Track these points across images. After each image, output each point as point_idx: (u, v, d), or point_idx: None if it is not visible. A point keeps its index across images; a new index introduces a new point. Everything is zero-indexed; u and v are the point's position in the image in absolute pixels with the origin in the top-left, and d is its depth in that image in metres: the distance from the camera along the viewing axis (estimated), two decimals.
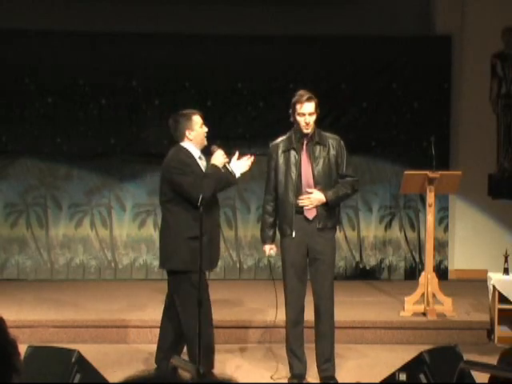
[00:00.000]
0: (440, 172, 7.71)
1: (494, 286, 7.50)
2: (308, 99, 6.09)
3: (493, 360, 4.13)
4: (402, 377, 5.01)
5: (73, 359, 4.96)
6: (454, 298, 7.84)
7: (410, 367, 5.04)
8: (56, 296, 8.60)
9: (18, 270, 9.78)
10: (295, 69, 9.71)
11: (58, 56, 9.65)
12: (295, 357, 6.26)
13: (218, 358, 6.19)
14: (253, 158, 6.18)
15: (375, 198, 10.02)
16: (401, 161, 9.77)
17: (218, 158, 6.05)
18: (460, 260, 10.09)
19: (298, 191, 6.14)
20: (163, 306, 6.39)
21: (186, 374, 3.79)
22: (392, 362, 6.41)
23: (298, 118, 6.12)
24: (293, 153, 6.18)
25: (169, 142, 9.65)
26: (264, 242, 6.34)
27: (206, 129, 6.13)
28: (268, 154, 6.31)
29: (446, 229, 10.01)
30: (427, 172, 7.67)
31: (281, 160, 6.20)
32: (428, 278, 7.71)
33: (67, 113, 9.75)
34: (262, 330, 7.49)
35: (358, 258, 10.00)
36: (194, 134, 6.05)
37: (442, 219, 9.96)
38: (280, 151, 6.21)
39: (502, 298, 7.45)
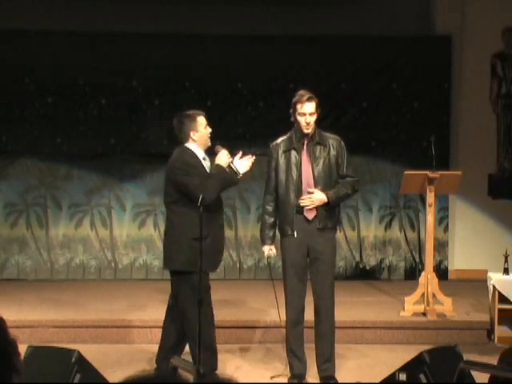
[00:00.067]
0: (440, 172, 7.71)
1: (493, 286, 7.50)
2: (309, 99, 6.09)
3: (493, 360, 4.13)
4: (402, 377, 5.01)
5: (73, 359, 4.97)
6: (454, 297, 7.84)
7: (410, 367, 5.04)
8: (56, 296, 8.60)
9: (18, 269, 9.79)
10: (295, 69, 9.71)
11: (58, 56, 9.65)
12: (295, 357, 6.26)
13: (218, 358, 6.18)
14: (254, 157, 6.18)
15: (375, 198, 10.02)
16: (401, 161, 9.77)
17: (223, 157, 6.06)
18: (460, 260, 10.09)
19: (299, 191, 6.14)
20: (166, 306, 6.38)
21: (186, 374, 3.80)
22: (392, 361, 6.41)
23: (299, 118, 6.12)
24: (293, 153, 6.18)
25: (169, 141, 9.74)
26: (263, 243, 6.33)
27: (209, 130, 6.13)
28: (268, 154, 6.31)
29: (446, 229, 10.01)
30: (427, 172, 7.67)
31: (281, 160, 6.20)
32: (428, 278, 7.71)
33: (67, 113, 9.75)
34: (262, 329, 7.49)
35: (357, 258, 10.00)
36: (199, 135, 6.06)
37: (442, 219, 9.96)
38: (281, 151, 6.21)
39: (502, 298, 7.45)
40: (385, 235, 10.03)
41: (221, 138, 6.25)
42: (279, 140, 6.28)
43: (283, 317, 6.28)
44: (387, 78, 9.93)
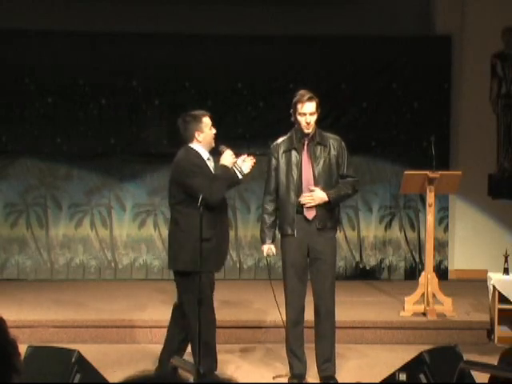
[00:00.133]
0: (440, 172, 7.71)
1: (494, 286, 7.50)
2: (309, 99, 6.09)
3: (493, 360, 4.14)
4: (402, 377, 5.01)
5: (73, 359, 4.97)
6: (454, 297, 7.84)
7: (410, 367, 5.04)
8: (56, 296, 8.60)
9: (18, 270, 9.79)
10: (295, 69, 9.71)
11: (58, 56, 9.65)
12: (295, 357, 6.26)
13: (218, 358, 6.18)
14: (254, 159, 6.18)
15: (375, 198, 10.02)
16: (401, 161, 9.77)
17: (227, 158, 6.06)
18: (460, 260, 10.09)
19: (299, 191, 6.14)
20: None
21: (186, 374, 3.80)
22: (392, 361, 6.41)
23: (299, 118, 6.11)
24: (294, 153, 6.18)
25: (168, 141, 9.76)
26: (263, 242, 6.32)
27: (214, 130, 6.13)
28: (269, 154, 6.31)
29: (446, 229, 10.01)
30: (427, 172, 7.67)
31: (282, 160, 6.20)
32: (428, 278, 7.71)
33: (67, 113, 9.75)
34: (262, 329, 7.50)
35: (358, 258, 10.00)
36: (203, 136, 6.06)
37: (442, 219, 9.96)
38: (281, 151, 6.21)
39: (502, 298, 7.45)
40: (385, 235, 10.03)
41: (221, 138, 6.25)
42: (279, 140, 6.28)
43: (283, 317, 6.28)
44: (387, 78, 9.93)
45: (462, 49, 9.99)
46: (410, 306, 7.78)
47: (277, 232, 6.35)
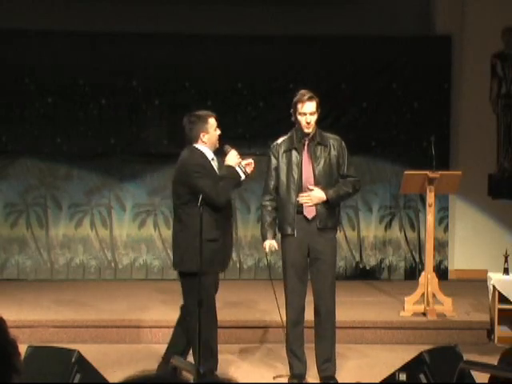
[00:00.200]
0: (440, 172, 7.71)
1: (494, 286, 7.50)
2: (309, 98, 6.09)
3: (493, 360, 4.13)
4: (402, 377, 5.01)
5: (73, 359, 4.97)
6: (453, 297, 7.84)
7: (410, 367, 5.04)
8: (56, 296, 8.59)
9: (18, 270, 9.78)
10: (295, 69, 9.71)
11: (58, 56, 9.65)
12: (295, 357, 6.26)
13: (218, 358, 6.18)
14: (253, 163, 6.20)
15: (375, 198, 10.02)
16: (401, 161, 9.77)
17: (233, 158, 6.07)
18: (460, 260, 10.09)
19: (300, 191, 6.14)
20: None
21: (186, 374, 3.80)
22: (392, 362, 6.41)
23: (299, 118, 6.11)
24: (294, 153, 6.18)
25: (169, 141, 9.76)
26: (264, 239, 6.28)
27: (219, 132, 6.13)
28: (269, 154, 6.30)
29: (446, 229, 10.01)
30: (427, 172, 7.67)
31: (282, 160, 6.19)
32: (428, 278, 7.71)
33: (67, 113, 9.75)
34: (261, 330, 7.50)
35: (358, 258, 10.00)
36: (208, 137, 6.05)
37: (442, 219, 9.96)
38: (281, 151, 6.21)
39: (502, 298, 7.45)
40: (385, 235, 10.03)
41: (221, 138, 6.25)
42: (280, 140, 6.28)
43: (283, 317, 6.28)
44: (387, 78, 9.93)
45: (462, 49, 9.99)
46: (410, 306, 7.78)
47: (277, 231, 6.35)
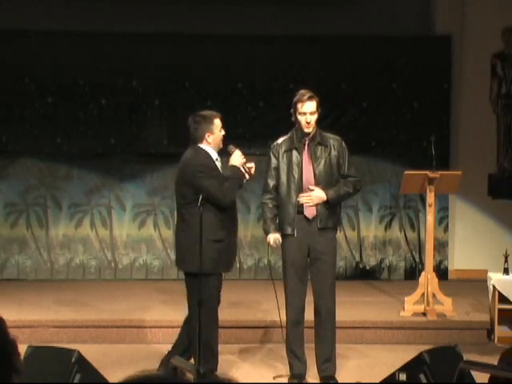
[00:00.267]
0: (440, 172, 7.71)
1: (494, 286, 7.50)
2: (309, 98, 6.09)
3: (493, 360, 4.13)
4: (402, 377, 5.01)
5: (73, 359, 4.97)
6: (454, 297, 7.84)
7: (410, 367, 5.04)
8: (56, 296, 8.59)
9: (18, 270, 9.78)
10: (295, 69, 9.70)
11: (58, 56, 9.65)
12: (295, 357, 6.26)
13: (219, 358, 6.18)
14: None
15: (375, 198, 10.02)
16: (401, 161, 9.76)
17: (237, 158, 6.07)
18: (460, 260, 10.09)
19: (300, 191, 6.13)
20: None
21: (186, 374, 3.80)
22: (392, 361, 6.41)
23: (299, 118, 6.11)
24: (295, 153, 6.18)
25: (168, 141, 9.76)
26: (268, 233, 6.22)
27: (223, 132, 6.13)
28: (269, 154, 6.30)
29: (446, 229, 10.01)
30: (427, 172, 7.67)
31: (283, 160, 6.19)
32: (428, 278, 7.71)
33: (67, 113, 9.74)
34: (262, 330, 7.49)
35: (358, 258, 10.00)
36: (213, 138, 6.06)
37: (442, 219, 9.95)
38: (282, 151, 6.21)
39: (502, 298, 7.45)
40: (385, 235, 10.03)
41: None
42: (280, 140, 6.28)
43: (283, 317, 6.28)
44: (387, 78, 9.93)
45: (462, 49, 9.98)
46: (410, 306, 7.78)
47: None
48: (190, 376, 3.81)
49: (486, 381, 3.71)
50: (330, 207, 6.16)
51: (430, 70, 9.86)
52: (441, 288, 7.82)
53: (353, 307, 7.96)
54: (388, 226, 10.02)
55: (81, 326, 7.54)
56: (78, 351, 5.06)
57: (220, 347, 6.24)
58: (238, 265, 9.86)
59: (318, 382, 6.29)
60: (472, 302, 8.26)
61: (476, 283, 8.72)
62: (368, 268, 10.00)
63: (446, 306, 7.75)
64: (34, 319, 7.56)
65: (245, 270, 9.91)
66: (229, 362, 6.76)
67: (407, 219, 10.01)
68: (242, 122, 9.80)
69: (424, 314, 7.70)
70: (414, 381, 4.92)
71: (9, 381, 2.32)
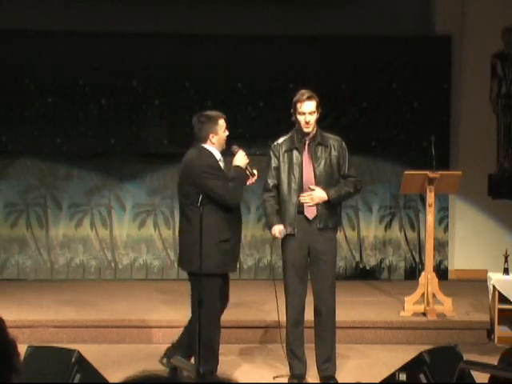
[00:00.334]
0: (440, 172, 7.71)
1: (494, 286, 7.50)
2: (308, 98, 6.09)
3: (493, 360, 4.13)
4: (402, 377, 5.01)
5: (73, 359, 4.97)
6: (454, 297, 7.84)
7: (410, 367, 5.04)
8: (56, 296, 8.59)
9: (18, 270, 9.78)
10: (295, 69, 9.70)
11: (58, 56, 9.65)
12: (295, 357, 6.26)
13: (219, 359, 6.19)
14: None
15: (375, 198, 10.02)
16: (401, 161, 9.76)
17: (241, 159, 6.07)
18: (460, 260, 10.09)
19: (300, 191, 6.13)
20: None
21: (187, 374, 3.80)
22: (392, 361, 6.41)
23: (299, 117, 6.12)
24: (295, 153, 6.18)
25: (168, 141, 9.76)
26: (271, 225, 6.17)
27: (227, 133, 6.13)
28: (269, 154, 6.30)
29: (446, 229, 10.01)
30: (427, 172, 7.67)
31: (283, 160, 6.19)
32: (428, 278, 7.71)
33: (67, 113, 9.74)
34: (261, 330, 7.50)
35: (358, 258, 10.00)
36: (217, 138, 6.06)
37: (442, 219, 9.95)
38: (282, 151, 6.21)
39: (502, 298, 7.45)
40: (385, 235, 10.03)
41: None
42: (281, 140, 6.28)
43: (283, 317, 6.28)
44: (387, 78, 9.93)
45: (462, 49, 9.98)
46: (410, 306, 7.78)
47: None
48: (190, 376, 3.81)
49: (486, 381, 3.71)
50: (331, 207, 6.16)
51: (430, 70, 9.86)
52: (441, 288, 7.82)
53: (353, 307, 7.96)
54: (388, 225, 10.02)
55: (81, 326, 7.54)
56: (78, 351, 5.06)
57: (220, 347, 6.24)
58: (238, 265, 9.85)
59: (318, 382, 6.29)
60: (472, 302, 8.26)
61: (476, 283, 8.72)
62: (368, 268, 10.00)
63: (446, 305, 7.75)
64: (33, 319, 7.56)
65: (245, 270, 9.91)
66: (229, 362, 6.76)
67: (407, 219, 10.00)
68: (242, 122, 9.79)
69: (424, 314, 7.70)
70: (414, 381, 4.92)
71: (8, 381, 2.32)
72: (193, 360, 5.93)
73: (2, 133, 9.72)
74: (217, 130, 6.05)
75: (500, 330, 7.48)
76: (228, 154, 6.20)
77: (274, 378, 6.46)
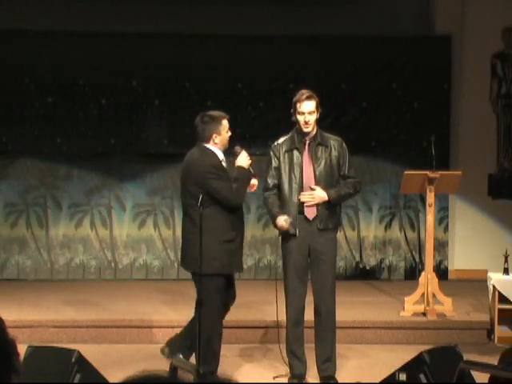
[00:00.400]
0: (440, 172, 7.71)
1: (494, 286, 7.50)
2: (308, 98, 6.09)
3: (493, 360, 4.13)
4: (402, 377, 5.02)
5: (73, 359, 4.97)
6: (454, 297, 7.84)
7: (410, 367, 5.04)
8: (56, 296, 8.59)
9: (18, 270, 9.78)
10: (295, 69, 9.70)
11: (58, 56, 9.65)
12: (295, 357, 6.26)
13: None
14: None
15: (375, 198, 10.01)
16: (401, 161, 9.76)
17: (244, 160, 6.08)
18: (460, 260, 10.08)
19: (301, 191, 6.13)
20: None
21: (186, 374, 3.80)
22: (392, 362, 6.41)
23: (298, 117, 6.12)
24: (296, 153, 6.18)
25: (169, 141, 9.76)
26: (275, 217, 6.11)
27: (230, 133, 6.13)
28: (269, 154, 6.29)
29: (446, 229, 10.01)
30: (427, 172, 7.67)
31: (284, 160, 6.19)
32: (428, 278, 7.71)
33: (67, 113, 9.74)
34: (262, 330, 7.50)
35: (358, 258, 10.00)
36: (220, 138, 6.06)
37: (442, 219, 9.95)
38: (283, 151, 6.21)
39: (502, 298, 7.45)
40: (385, 235, 10.03)
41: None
42: (281, 140, 6.27)
43: (283, 317, 6.28)
44: (387, 78, 9.92)
45: (462, 49, 9.98)
46: (410, 306, 7.78)
47: (277, 232, 6.34)
48: (190, 376, 3.81)
49: (486, 381, 3.71)
50: (331, 207, 6.16)
51: (429, 69, 9.85)
52: (441, 288, 7.82)
53: (353, 307, 7.96)
54: (388, 225, 10.02)
55: (81, 326, 7.54)
56: (78, 351, 5.06)
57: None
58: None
59: (318, 382, 6.30)
60: (472, 302, 8.26)
61: (476, 283, 8.72)
62: (368, 268, 9.99)
63: (446, 306, 7.75)
64: (33, 319, 7.56)
65: (245, 270, 9.76)
66: (229, 362, 6.76)
67: (407, 219, 10.00)
68: (242, 122, 9.78)
69: (424, 314, 7.70)
70: (414, 381, 4.93)
71: (8, 381, 2.31)
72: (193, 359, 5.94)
73: (2, 133, 9.72)
74: (220, 130, 6.05)
75: (500, 330, 7.48)
76: (230, 153, 6.21)
77: (273, 378, 6.46)
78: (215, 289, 5.93)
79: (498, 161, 10.10)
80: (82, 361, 5.05)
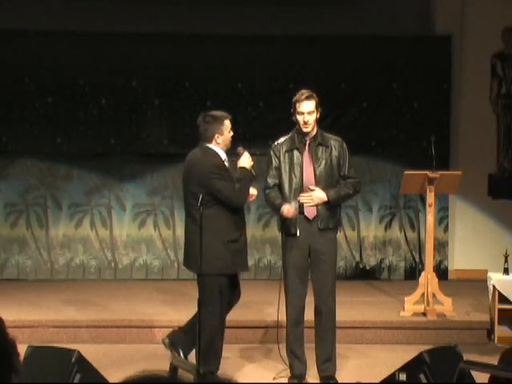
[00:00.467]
0: (440, 172, 7.71)
1: (494, 286, 7.50)
2: (307, 98, 6.09)
3: (493, 360, 4.14)
4: (402, 377, 5.01)
5: (73, 359, 4.97)
6: (454, 297, 7.84)
7: (410, 367, 5.04)
8: (56, 296, 8.59)
9: (18, 270, 9.78)
10: (295, 69, 9.70)
11: (58, 56, 9.65)
12: (295, 357, 6.26)
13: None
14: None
15: (375, 198, 10.01)
16: (401, 161, 9.76)
17: (246, 160, 6.08)
18: (460, 260, 10.09)
19: (300, 191, 6.13)
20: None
21: (186, 374, 3.80)
22: (392, 361, 6.41)
23: (298, 117, 6.12)
24: (296, 153, 6.18)
25: (169, 141, 9.76)
26: (279, 206, 6.07)
27: (232, 133, 6.13)
28: (269, 153, 6.29)
29: (446, 229, 10.01)
30: (427, 172, 7.67)
31: (284, 160, 6.19)
32: (428, 278, 7.71)
33: (67, 113, 9.74)
34: (262, 330, 7.50)
35: (358, 258, 10.00)
36: (223, 139, 6.06)
37: (442, 219, 9.95)
38: (283, 151, 6.21)
39: (502, 298, 7.45)
40: (385, 235, 10.03)
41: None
42: (281, 140, 6.27)
43: (283, 317, 6.28)
44: (387, 78, 9.92)
45: (462, 49, 9.98)
46: (410, 306, 7.78)
47: (277, 232, 6.34)
48: (190, 376, 3.81)
49: (486, 381, 3.71)
50: (331, 208, 6.16)
51: (429, 70, 9.85)
52: (441, 288, 7.82)
53: (353, 307, 7.96)
54: (388, 225, 10.02)
55: (81, 326, 7.54)
56: (78, 351, 5.06)
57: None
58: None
59: (318, 382, 6.30)
60: (472, 302, 8.26)
61: (476, 283, 8.72)
62: (368, 268, 9.99)
63: (446, 305, 7.75)
64: (33, 319, 7.56)
65: None
66: (229, 362, 6.76)
67: (407, 219, 10.00)
68: (242, 122, 9.76)
69: (424, 314, 7.70)
70: (414, 381, 4.93)
71: (8, 381, 2.31)
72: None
73: (2, 133, 9.72)
74: (222, 130, 6.05)
75: (500, 330, 7.48)
76: (233, 154, 6.21)
77: (273, 378, 6.46)
78: (218, 289, 5.94)
79: (498, 161, 10.10)
80: (82, 361, 5.05)
